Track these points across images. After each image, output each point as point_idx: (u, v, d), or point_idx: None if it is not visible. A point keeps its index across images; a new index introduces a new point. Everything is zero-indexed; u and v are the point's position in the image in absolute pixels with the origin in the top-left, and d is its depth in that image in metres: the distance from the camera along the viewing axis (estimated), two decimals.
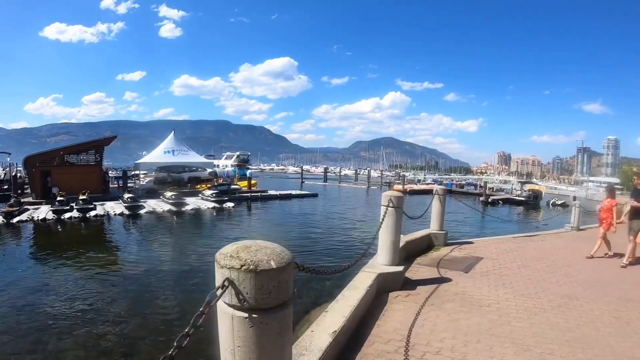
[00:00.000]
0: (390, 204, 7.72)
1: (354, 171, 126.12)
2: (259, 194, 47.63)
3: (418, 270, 9.21)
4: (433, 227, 12.16)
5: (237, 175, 56.05)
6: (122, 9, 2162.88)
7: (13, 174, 43.92)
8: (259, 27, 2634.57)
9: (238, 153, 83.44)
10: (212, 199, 39.06)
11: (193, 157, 48.47)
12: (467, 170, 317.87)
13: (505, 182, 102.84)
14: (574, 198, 66.47)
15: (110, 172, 55.08)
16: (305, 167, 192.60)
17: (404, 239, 10.04)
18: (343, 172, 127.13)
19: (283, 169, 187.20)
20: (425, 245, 11.53)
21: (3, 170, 45.84)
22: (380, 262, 7.87)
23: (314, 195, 52.98)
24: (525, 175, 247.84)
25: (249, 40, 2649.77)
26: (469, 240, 13.62)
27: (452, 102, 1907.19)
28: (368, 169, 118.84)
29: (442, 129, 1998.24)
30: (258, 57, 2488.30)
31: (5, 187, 43.22)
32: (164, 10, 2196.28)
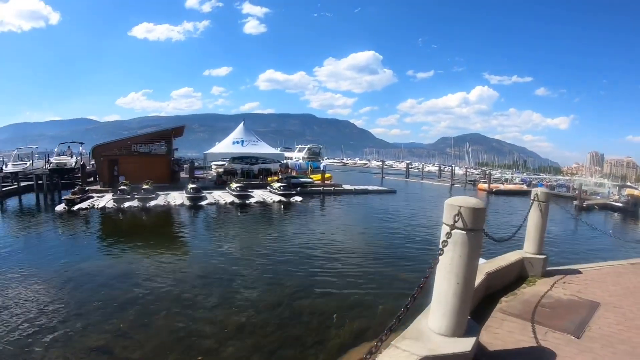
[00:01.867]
0: (459, 224, 4.22)
1: (437, 168, 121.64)
2: (332, 188, 44.72)
3: (502, 325, 5.73)
4: (528, 249, 8.55)
5: (309, 168, 53.34)
6: (206, 7, 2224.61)
7: (82, 163, 43.06)
8: (342, 21, 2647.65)
9: (309, 145, 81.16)
10: (280, 192, 36.79)
11: (263, 148, 46.21)
12: (557, 170, 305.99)
13: (600, 184, 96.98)
14: None
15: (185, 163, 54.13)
16: (389, 162, 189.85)
17: (483, 268, 6.99)
18: (426, 169, 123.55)
19: (366, 164, 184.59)
20: (515, 276, 8.12)
21: (75, 159, 45.28)
22: (433, 328, 4.42)
23: (392, 192, 49.44)
24: (620, 178, 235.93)
25: (333, 34, 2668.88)
26: (575, 267, 9.78)
27: (541, 97, 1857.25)
28: (452, 165, 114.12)
29: (531, 125, 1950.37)
30: (342, 51, 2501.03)
31: (67, 175, 43.54)
32: (247, 8, 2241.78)
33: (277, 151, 50.29)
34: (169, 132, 44.04)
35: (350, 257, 18.18)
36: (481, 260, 7.38)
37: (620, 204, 54.17)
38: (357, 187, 46.83)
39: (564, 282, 8.12)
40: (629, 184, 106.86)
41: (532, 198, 8.45)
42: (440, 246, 4.27)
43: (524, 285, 7.83)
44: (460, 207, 4.24)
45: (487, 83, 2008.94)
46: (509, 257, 8.18)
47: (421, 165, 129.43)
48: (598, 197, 64.01)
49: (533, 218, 8.43)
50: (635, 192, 61.13)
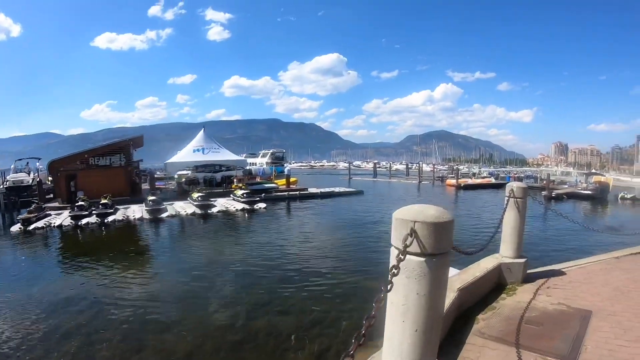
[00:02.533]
0: (413, 247, 3.00)
1: (404, 166, 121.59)
2: (297, 192, 43.62)
3: (481, 354, 4.64)
4: (505, 253, 7.37)
5: (274, 173, 52.29)
6: (169, 15, 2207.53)
7: (38, 179, 41.53)
8: (306, 24, 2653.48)
9: (272, 150, 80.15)
10: (243, 200, 35.47)
11: (225, 155, 45.06)
12: (523, 162, 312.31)
13: (566, 173, 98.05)
14: None
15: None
16: (356, 162, 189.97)
17: (454, 283, 5.84)
18: (394, 167, 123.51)
19: (333, 165, 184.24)
20: (491, 286, 6.96)
21: (31, 175, 43.63)
22: None
23: (359, 193, 48.59)
24: (586, 167, 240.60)
25: (297, 38, 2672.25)
26: (557, 267, 8.68)
27: (505, 92, 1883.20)
28: (419, 163, 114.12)
29: (495, 120, 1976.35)
30: (306, 55, 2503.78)
31: (26, 193, 40.91)
32: (210, 14, 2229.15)
33: (239, 157, 48.94)
34: (127, 142, 42.63)
35: (313, 268, 17.11)
36: (452, 272, 6.48)
37: (588, 192, 55.03)
38: (323, 190, 45.78)
39: (548, 287, 7.05)
40: (594, 171, 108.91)
41: (507, 194, 7.30)
42: (389, 277, 2.88)
43: (503, 295, 6.73)
44: (415, 222, 2.95)
45: (451, 80, 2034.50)
46: (485, 265, 7.01)
47: (388, 164, 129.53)
48: (566, 186, 64.53)
49: (509, 217, 7.31)
50: (603, 179, 61.89)
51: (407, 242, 2.95)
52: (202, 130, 46.82)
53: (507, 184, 7.47)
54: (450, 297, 5.31)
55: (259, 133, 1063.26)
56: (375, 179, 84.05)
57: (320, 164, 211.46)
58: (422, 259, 2.96)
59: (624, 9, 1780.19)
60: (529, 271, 7.64)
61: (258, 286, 14.81)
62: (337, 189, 47.84)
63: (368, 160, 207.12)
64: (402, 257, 2.92)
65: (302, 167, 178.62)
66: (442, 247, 3.03)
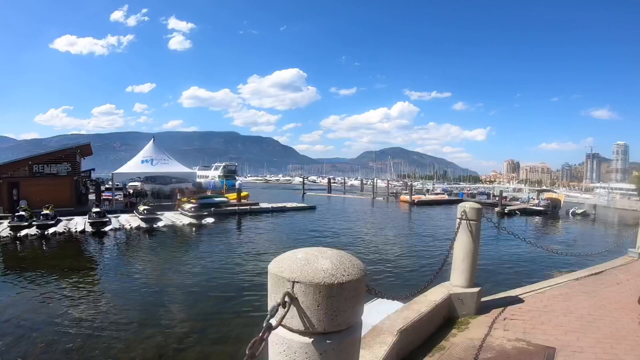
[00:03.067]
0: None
1: (359, 181, 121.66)
2: (248, 207, 42.61)
3: None
4: (456, 281, 6.53)
5: (224, 187, 51.09)
6: (131, 21, 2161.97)
7: None
8: (268, 38, 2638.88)
9: (225, 163, 78.64)
10: (190, 214, 34.19)
11: (174, 167, 43.69)
12: (476, 178, 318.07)
13: (518, 190, 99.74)
14: (594, 207, 63.20)
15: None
16: (312, 177, 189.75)
17: (394, 322, 4.92)
18: (349, 183, 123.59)
19: (289, 180, 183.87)
20: (440, 321, 5.99)
21: None
22: None
23: (311, 208, 48.09)
24: (537, 183, 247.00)
25: (258, 51, 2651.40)
26: (514, 294, 7.89)
27: (460, 111, 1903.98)
28: (374, 178, 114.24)
29: (450, 138, 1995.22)
30: (267, 69, 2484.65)
31: None
32: (173, 23, 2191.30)
33: (189, 170, 47.57)
34: (74, 150, 40.95)
35: (250, 291, 16.05)
36: (394, 306, 5.74)
37: (540, 208, 56.87)
38: (274, 205, 44.94)
39: (505, 319, 6.24)
40: (545, 188, 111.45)
41: (459, 216, 6.45)
42: None
43: (453, 331, 5.79)
44: (296, 282, 1.92)
45: (408, 99, 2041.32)
46: (433, 297, 6.00)
47: (343, 180, 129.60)
48: (518, 202, 66.04)
49: (461, 242, 6.49)
50: (554, 196, 63.56)
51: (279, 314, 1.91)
52: (152, 140, 45.45)
53: (459, 205, 6.67)
54: (387, 342, 4.36)
55: (216, 146, 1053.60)
56: (329, 195, 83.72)
57: (276, 178, 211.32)
58: (307, 339, 1.94)
59: (575, 37, 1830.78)
60: (483, 299, 6.91)
61: (194, 311, 13.94)
62: (288, 204, 47.20)
63: (324, 175, 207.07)
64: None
65: (258, 181, 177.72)
66: (351, 320, 2.02)
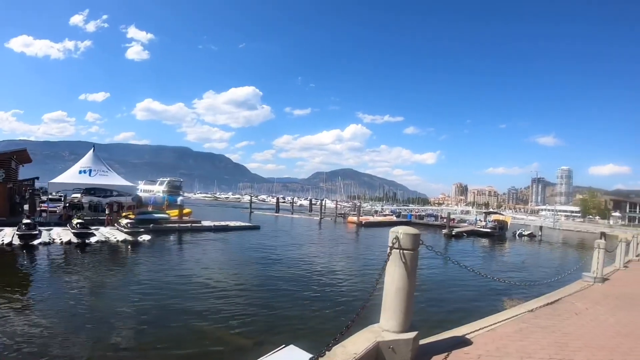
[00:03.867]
0: None
1: (309, 201, 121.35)
2: (189, 224, 41.01)
3: None
4: (387, 324, 5.06)
5: (165, 203, 49.14)
6: (90, 27, 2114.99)
7: None
8: (226, 54, 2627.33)
9: (169, 178, 76.72)
10: (126, 230, 32.33)
11: (113, 179, 41.56)
12: (425, 201, 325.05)
13: (466, 212, 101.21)
14: (541, 228, 64.58)
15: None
16: (262, 196, 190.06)
17: None
18: (299, 203, 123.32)
19: (238, 198, 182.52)
20: None
21: None
22: None
23: (256, 228, 46.66)
24: (484, 206, 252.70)
25: (215, 67, 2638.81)
26: (459, 333, 6.55)
27: (411, 135, 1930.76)
28: (322, 199, 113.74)
29: (400, 161, 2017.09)
30: (223, 85, 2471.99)
31: None
32: (132, 32, 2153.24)
33: (129, 183, 45.28)
34: (8, 156, 38.88)
35: (173, 323, 13.87)
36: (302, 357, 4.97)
37: (487, 230, 58.03)
38: (216, 224, 43.43)
39: None
40: (493, 210, 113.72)
41: (390, 243, 5.06)
42: None
43: None
44: None
45: (361, 121, 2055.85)
46: (354, 347, 4.53)
47: (291, 200, 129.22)
48: (466, 224, 66.62)
49: (393, 275, 5.06)
50: (501, 218, 64.63)
51: None
52: (92, 150, 43.23)
53: (391, 230, 5.11)
54: None
55: (168, 160, 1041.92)
56: (277, 214, 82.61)
57: (226, 196, 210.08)
58: None
59: (523, 68, 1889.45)
60: (422, 341, 5.52)
61: (107, 343, 12.28)
62: (232, 223, 45.86)
63: (274, 194, 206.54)
64: None
65: (207, 199, 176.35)
66: None
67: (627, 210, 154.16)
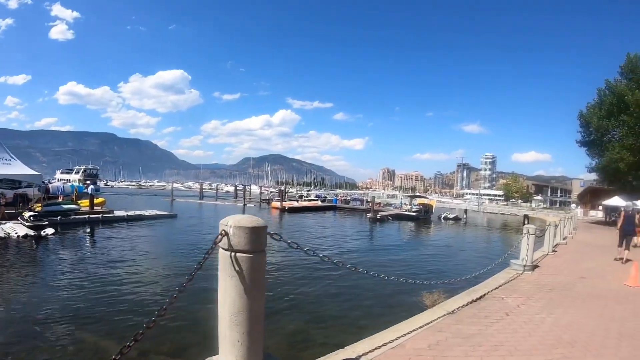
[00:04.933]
0: None
1: (233, 188, 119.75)
2: (100, 215, 38.83)
3: None
4: (228, 357, 3.73)
5: (75, 192, 46.05)
6: (13, 3, 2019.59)
7: None
8: (155, 36, 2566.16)
9: (85, 167, 73.86)
10: (28, 224, 30.00)
11: (16, 168, 38.67)
12: (353, 186, 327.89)
13: (393, 196, 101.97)
14: (465, 211, 65.53)
15: None
16: (188, 183, 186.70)
17: None
18: (225, 189, 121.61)
19: (164, 186, 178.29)
20: None
21: None
22: None
23: (173, 216, 45.07)
24: (410, 190, 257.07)
25: (143, 49, 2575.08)
26: (357, 352, 5.51)
27: (340, 121, 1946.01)
28: (245, 185, 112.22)
29: (329, 146, 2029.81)
30: (150, 68, 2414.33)
31: None
32: (57, 10, 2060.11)
33: (34, 172, 42.42)
34: None
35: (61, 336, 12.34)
36: None
37: (413, 213, 58.72)
38: (130, 213, 41.18)
39: None
40: (419, 194, 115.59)
41: (216, 242, 3.88)
42: None
43: None
44: None
45: (290, 107, 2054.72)
46: None
47: (215, 186, 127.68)
48: (391, 208, 66.73)
49: (225, 293, 3.78)
50: (426, 201, 65.50)
51: None
52: None
53: (221, 222, 3.86)
54: None
55: (92, 147, 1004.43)
56: (201, 202, 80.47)
57: (151, 183, 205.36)
58: None
59: (450, 56, 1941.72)
60: None
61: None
62: (147, 212, 43.71)
63: (200, 181, 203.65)
64: None
65: (131, 187, 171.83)
66: None
67: (549, 194, 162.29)
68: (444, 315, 7.54)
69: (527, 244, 12.59)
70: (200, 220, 46.42)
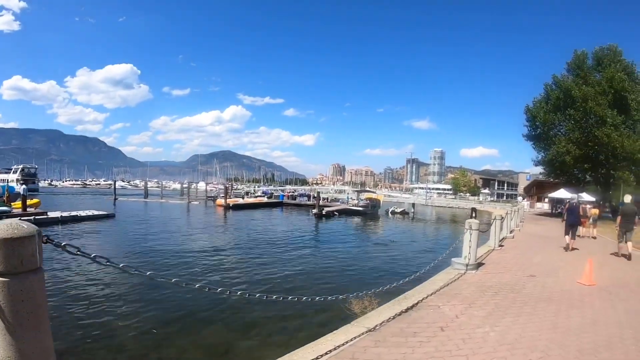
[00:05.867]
0: None
1: (179, 185, 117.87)
2: (32, 217, 35.93)
3: None
4: None
5: (7, 194, 43.25)
6: None
7: None
8: (104, 29, 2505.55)
9: (22, 166, 71.11)
10: None
11: None
12: (304, 181, 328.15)
13: (341, 191, 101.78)
14: (413, 205, 65.47)
15: None
16: (135, 181, 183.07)
17: None
18: (172, 187, 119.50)
19: (110, 185, 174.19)
20: None
21: None
22: None
23: (110, 216, 42.68)
24: (360, 185, 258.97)
25: (92, 42, 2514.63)
26: None
27: (291, 117, 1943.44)
28: (190, 182, 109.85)
29: (280, 142, 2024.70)
30: (99, 62, 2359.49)
31: None
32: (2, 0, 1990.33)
33: None
34: None
35: None
36: None
37: (359, 208, 58.52)
38: (64, 214, 38.79)
39: None
40: (369, 189, 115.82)
41: None
42: None
43: None
44: None
45: (241, 103, 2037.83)
46: None
47: (162, 184, 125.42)
48: (338, 203, 66.17)
49: None
50: (373, 196, 65.19)
51: None
52: None
53: None
54: None
55: (37, 145, 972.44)
56: (146, 200, 78.21)
57: (97, 182, 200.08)
58: None
59: (403, 55, 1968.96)
60: None
61: None
62: (83, 213, 41.27)
63: (148, 179, 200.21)
64: None
65: (75, 186, 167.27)
66: None
67: (496, 187, 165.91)
68: (365, 332, 6.05)
69: (470, 241, 11.28)
70: (137, 220, 43.82)
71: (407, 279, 8.51)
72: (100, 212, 43.03)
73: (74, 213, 40.41)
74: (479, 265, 11.96)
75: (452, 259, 11.72)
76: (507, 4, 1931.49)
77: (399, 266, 21.67)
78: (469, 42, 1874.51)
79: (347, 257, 24.55)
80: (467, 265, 11.20)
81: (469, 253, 11.24)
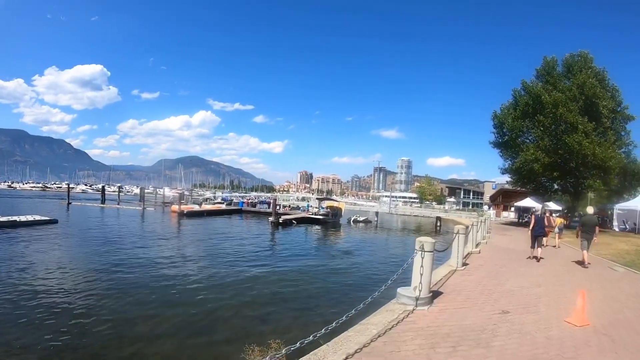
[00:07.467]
0: None
1: (139, 191, 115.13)
2: None
3: None
4: None
5: None
6: None
7: None
8: (76, 27, 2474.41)
9: None
10: None
11: None
12: (271, 188, 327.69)
13: (303, 199, 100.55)
14: (377, 214, 64.02)
15: None
16: (97, 186, 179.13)
17: None
18: (134, 192, 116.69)
19: (73, 188, 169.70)
20: None
21: None
22: None
23: (53, 222, 39.98)
24: (326, 193, 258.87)
25: (62, 40, 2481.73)
26: None
27: (260, 124, 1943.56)
28: (154, 187, 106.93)
29: (248, 149, 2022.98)
30: (68, 61, 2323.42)
31: None
32: None
33: None
34: None
35: None
36: None
37: (319, 216, 57.25)
38: (2, 219, 36.10)
39: None
40: (333, 197, 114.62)
41: None
42: None
43: None
44: None
45: (210, 108, 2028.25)
46: None
47: (118, 188, 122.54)
48: (299, 211, 64.57)
49: None
50: (335, 204, 63.50)
51: None
52: None
53: None
54: None
55: (1, 145, 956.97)
56: (102, 205, 74.72)
57: (59, 185, 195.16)
58: None
59: (372, 65, 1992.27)
60: None
61: None
62: (22, 218, 38.52)
63: (111, 183, 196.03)
64: None
65: (35, 189, 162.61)
66: None
67: (462, 196, 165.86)
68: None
69: (422, 267, 8.02)
70: (82, 227, 40.77)
71: (332, 325, 5.89)
72: (42, 218, 40.23)
73: (13, 218, 37.68)
74: (433, 297, 8.86)
75: (398, 290, 8.54)
76: (474, 15, 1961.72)
77: (337, 289, 19.07)
78: (439, 53, 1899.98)
79: (283, 280, 20.48)
80: (416, 299, 8.08)
81: (420, 283, 8.09)
